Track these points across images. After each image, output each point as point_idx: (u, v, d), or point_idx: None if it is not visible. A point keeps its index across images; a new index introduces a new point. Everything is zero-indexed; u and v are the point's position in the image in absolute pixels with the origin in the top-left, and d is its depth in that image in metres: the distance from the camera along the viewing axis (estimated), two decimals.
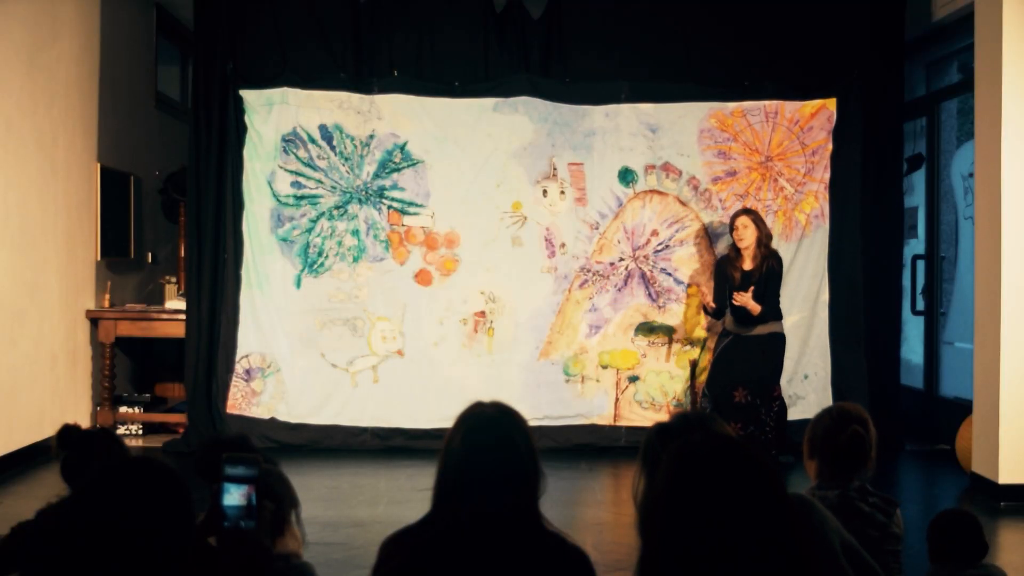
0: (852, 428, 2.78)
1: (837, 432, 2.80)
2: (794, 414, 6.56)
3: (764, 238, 6.09)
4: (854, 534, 2.51)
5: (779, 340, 6.15)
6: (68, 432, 2.69)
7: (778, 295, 6.12)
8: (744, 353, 6.08)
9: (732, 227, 6.15)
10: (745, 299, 5.93)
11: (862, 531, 2.67)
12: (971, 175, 6.55)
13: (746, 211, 6.19)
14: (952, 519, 2.97)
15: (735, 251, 6.17)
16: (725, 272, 6.20)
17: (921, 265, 7.50)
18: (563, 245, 6.81)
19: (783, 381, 6.57)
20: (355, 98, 6.75)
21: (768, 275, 6.04)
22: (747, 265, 6.10)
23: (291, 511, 2.45)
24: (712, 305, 6.25)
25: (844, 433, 2.78)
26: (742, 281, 6.08)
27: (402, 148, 6.77)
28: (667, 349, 6.84)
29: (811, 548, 1.55)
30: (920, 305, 7.50)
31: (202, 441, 3.18)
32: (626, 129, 6.81)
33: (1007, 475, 5.42)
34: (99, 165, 6.94)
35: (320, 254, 6.74)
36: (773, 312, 6.07)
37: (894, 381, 6.97)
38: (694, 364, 6.81)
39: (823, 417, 2.89)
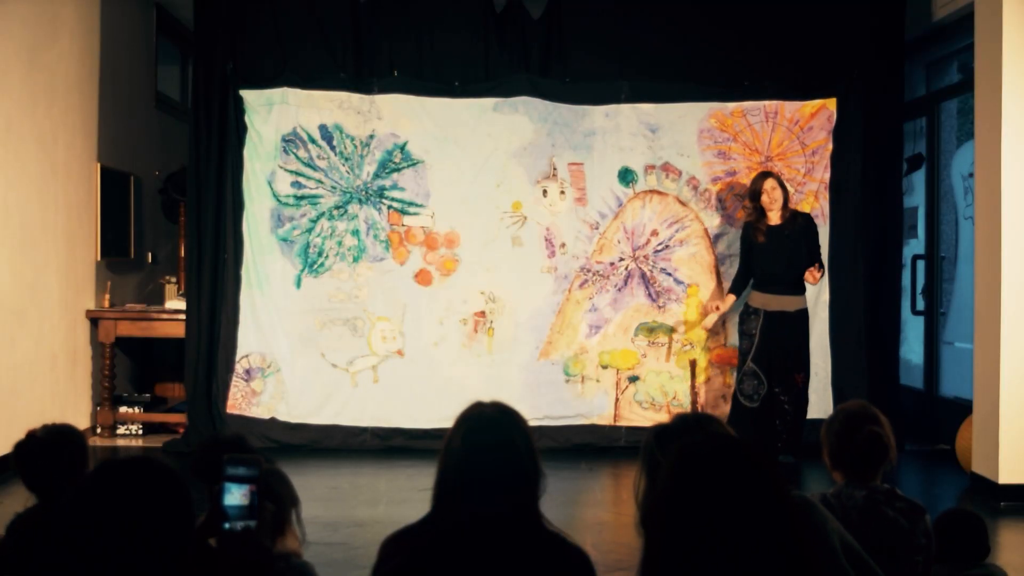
0: (866, 429, 2.76)
1: (850, 437, 2.77)
2: None
3: (789, 199, 6.28)
4: (876, 538, 2.50)
5: (806, 318, 6.28)
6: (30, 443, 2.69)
7: (819, 252, 6.28)
8: (775, 335, 6.14)
9: (760, 190, 6.22)
10: (814, 273, 6.06)
11: (883, 536, 2.66)
12: (971, 175, 6.55)
13: (768, 173, 6.32)
14: (956, 519, 2.96)
15: (757, 214, 6.24)
16: (750, 236, 6.28)
17: (921, 265, 7.50)
18: (563, 245, 6.81)
19: None
20: (355, 98, 6.75)
21: (807, 231, 6.19)
22: (774, 221, 6.20)
23: (291, 510, 2.45)
24: (718, 308, 6.43)
25: (859, 435, 2.76)
26: (769, 238, 6.16)
27: (402, 148, 6.77)
28: (667, 349, 6.83)
29: (811, 548, 1.55)
30: (920, 305, 7.50)
31: (199, 442, 3.18)
32: (626, 129, 6.81)
33: (1007, 475, 5.42)
34: (99, 165, 6.94)
35: (320, 254, 6.74)
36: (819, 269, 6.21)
37: (894, 381, 6.96)
38: (694, 364, 6.81)
39: (831, 424, 2.85)
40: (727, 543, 1.44)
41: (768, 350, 6.14)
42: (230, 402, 6.70)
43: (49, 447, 2.66)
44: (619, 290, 6.83)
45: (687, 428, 2.15)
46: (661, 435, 2.15)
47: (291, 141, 6.74)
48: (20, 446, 2.68)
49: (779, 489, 1.50)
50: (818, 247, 6.29)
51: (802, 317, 6.23)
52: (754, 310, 6.22)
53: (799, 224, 6.21)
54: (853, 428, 2.78)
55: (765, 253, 6.19)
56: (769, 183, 6.20)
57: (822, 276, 6.27)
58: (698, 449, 1.55)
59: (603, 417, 6.80)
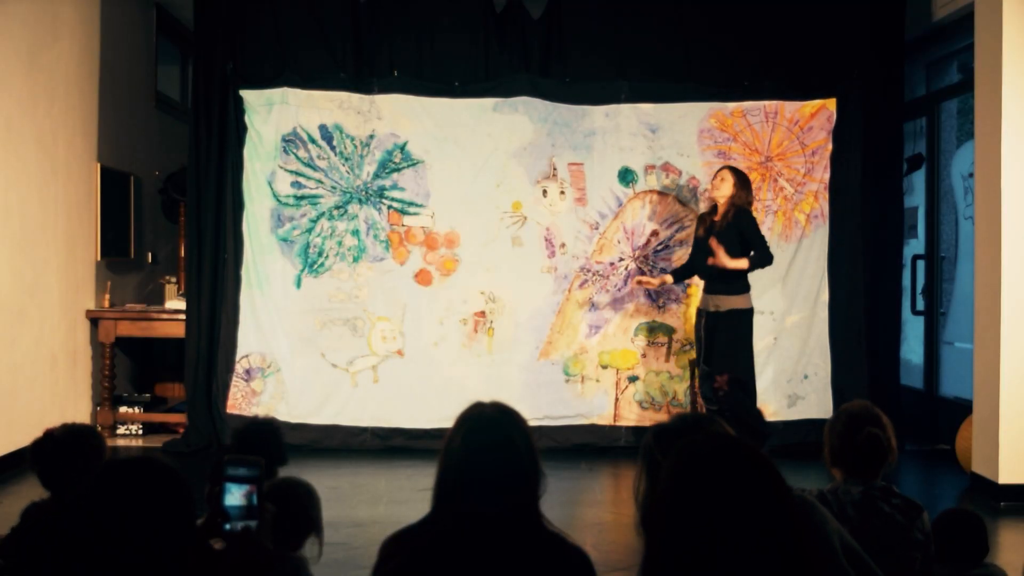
0: (867, 430, 2.78)
1: (851, 437, 2.79)
2: (794, 414, 6.57)
3: (738, 196, 5.85)
4: (873, 534, 2.50)
5: (736, 318, 5.83)
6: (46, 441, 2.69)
7: (765, 250, 5.80)
8: (708, 336, 5.92)
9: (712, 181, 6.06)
10: (719, 254, 5.68)
11: (880, 532, 2.67)
12: (971, 175, 6.55)
13: (729, 167, 6.06)
14: (956, 519, 2.96)
15: (711, 207, 6.12)
16: (696, 229, 6.17)
17: (921, 265, 7.50)
18: (563, 245, 6.81)
19: (784, 381, 6.58)
20: (355, 98, 6.75)
21: (736, 225, 5.77)
22: (717, 218, 5.95)
23: (313, 534, 2.53)
24: (641, 282, 6.36)
25: (860, 435, 2.78)
26: (705, 233, 5.94)
27: (402, 148, 6.77)
28: (667, 349, 6.84)
29: (812, 548, 1.55)
30: (920, 305, 7.50)
31: (235, 428, 3.35)
32: (626, 129, 6.81)
33: (1007, 475, 5.42)
34: (99, 165, 6.94)
35: (320, 254, 6.75)
36: (762, 261, 5.79)
37: (894, 381, 6.96)
38: (694, 364, 6.81)
39: (834, 425, 2.87)
40: (727, 543, 1.44)
41: (708, 351, 5.95)
42: (230, 402, 6.69)
43: (65, 447, 2.66)
44: (619, 290, 6.83)
45: (687, 428, 2.15)
46: (661, 435, 2.15)
47: (291, 141, 6.74)
48: (37, 444, 2.69)
49: (779, 489, 1.50)
50: (759, 239, 5.83)
51: (730, 317, 5.83)
52: (699, 310, 6.10)
53: (728, 219, 5.83)
54: (855, 428, 2.80)
55: (698, 249, 6.04)
56: (721, 173, 5.95)
57: (748, 269, 5.76)
58: (698, 449, 1.55)
59: (603, 417, 6.80)
